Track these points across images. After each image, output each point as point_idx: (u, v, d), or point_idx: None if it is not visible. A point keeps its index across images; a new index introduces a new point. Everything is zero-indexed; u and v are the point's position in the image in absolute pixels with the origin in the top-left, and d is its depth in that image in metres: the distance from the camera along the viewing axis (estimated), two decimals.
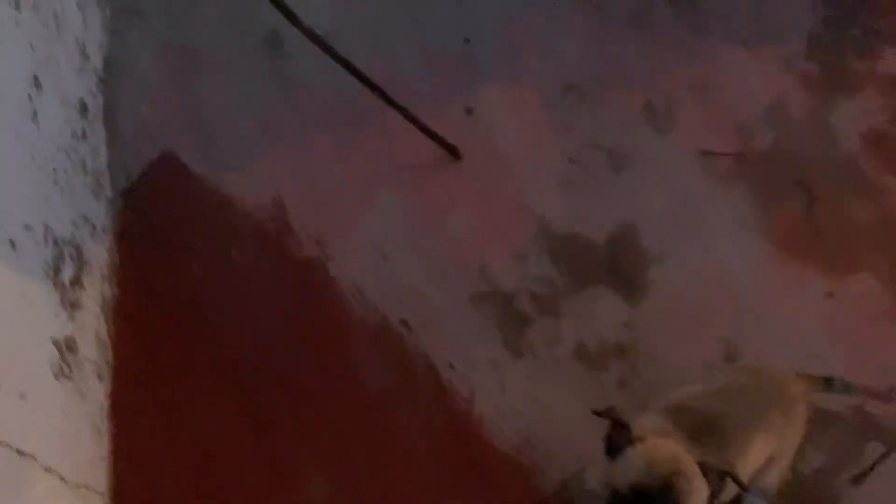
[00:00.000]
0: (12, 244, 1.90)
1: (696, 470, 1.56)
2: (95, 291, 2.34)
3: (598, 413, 1.67)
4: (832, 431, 2.25)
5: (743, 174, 2.53)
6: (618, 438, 1.63)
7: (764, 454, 1.83)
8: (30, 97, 2.11)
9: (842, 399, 2.20)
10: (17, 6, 2.11)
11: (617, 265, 2.47)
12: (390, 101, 2.27)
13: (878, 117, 2.57)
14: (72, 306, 2.16)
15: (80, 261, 2.25)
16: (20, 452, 1.76)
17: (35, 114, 2.13)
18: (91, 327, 2.29)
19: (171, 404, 2.35)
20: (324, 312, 2.45)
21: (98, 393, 2.28)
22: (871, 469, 2.22)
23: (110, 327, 2.39)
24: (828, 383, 2.06)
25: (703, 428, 1.71)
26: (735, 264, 2.44)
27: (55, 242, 2.13)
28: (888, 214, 2.46)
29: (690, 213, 2.50)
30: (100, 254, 2.41)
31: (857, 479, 2.23)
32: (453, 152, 2.58)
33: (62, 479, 1.94)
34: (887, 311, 2.36)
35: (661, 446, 1.60)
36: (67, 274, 2.17)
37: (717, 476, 1.59)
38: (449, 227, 2.54)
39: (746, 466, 1.78)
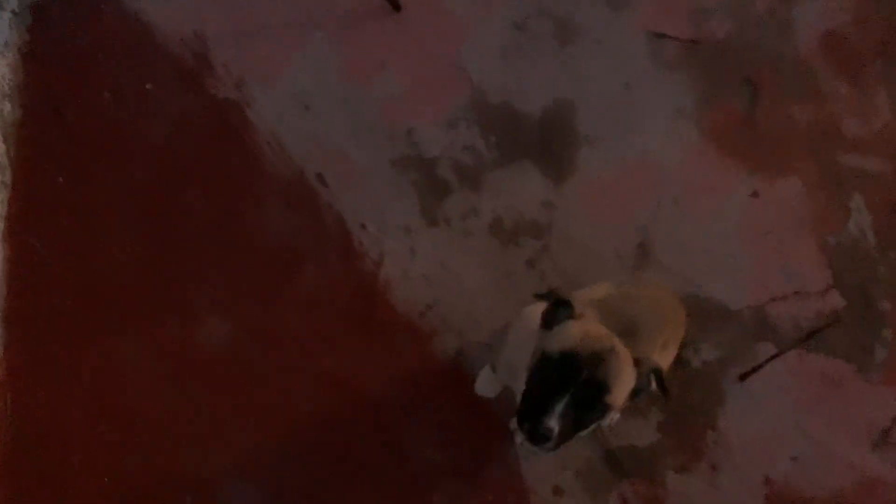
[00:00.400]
0: None
1: (630, 358, 1.54)
2: None
3: (539, 296, 1.63)
4: (728, 329, 2.28)
5: (691, 62, 2.42)
6: (558, 312, 1.59)
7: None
8: None
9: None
10: None
11: (547, 143, 2.38)
12: None
13: (841, 18, 2.44)
14: None
15: None
16: None
17: None
18: None
19: (73, 232, 2.28)
20: (238, 158, 2.35)
21: None
22: (759, 368, 2.28)
23: (10, 148, 2.27)
24: None
25: (625, 329, 1.68)
26: (666, 154, 2.37)
27: None
28: (827, 121, 2.39)
29: (630, 98, 2.40)
30: (1, 69, 2.26)
31: (744, 377, 2.29)
32: (393, 3, 2.41)
33: None
34: (807, 218, 2.34)
35: (600, 328, 1.56)
36: None
37: (647, 373, 1.57)
38: (379, 83, 2.41)
39: None
